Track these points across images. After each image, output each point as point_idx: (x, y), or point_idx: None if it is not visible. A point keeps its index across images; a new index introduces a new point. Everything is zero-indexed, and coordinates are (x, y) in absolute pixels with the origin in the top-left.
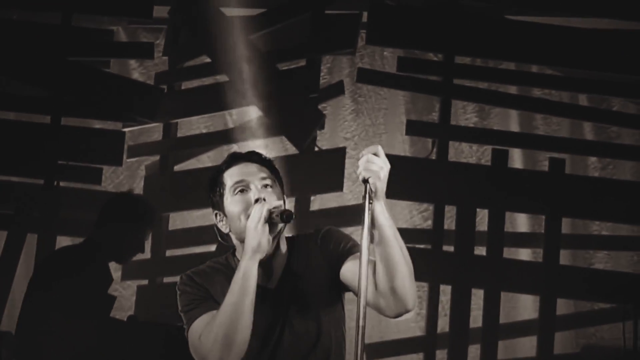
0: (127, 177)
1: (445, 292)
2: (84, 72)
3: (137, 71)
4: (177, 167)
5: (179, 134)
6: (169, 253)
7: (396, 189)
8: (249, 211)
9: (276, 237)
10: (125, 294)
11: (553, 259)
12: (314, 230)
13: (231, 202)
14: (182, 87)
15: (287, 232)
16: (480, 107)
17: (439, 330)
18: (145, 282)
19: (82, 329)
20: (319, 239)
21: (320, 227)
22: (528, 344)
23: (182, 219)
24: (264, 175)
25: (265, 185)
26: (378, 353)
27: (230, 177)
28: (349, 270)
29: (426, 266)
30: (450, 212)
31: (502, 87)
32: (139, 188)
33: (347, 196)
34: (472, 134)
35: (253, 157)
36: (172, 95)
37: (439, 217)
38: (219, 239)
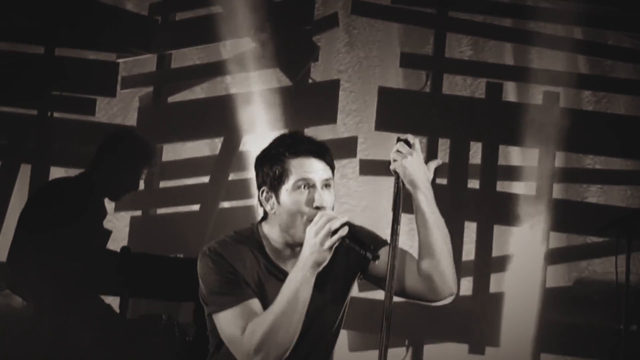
0: (121, 108)
1: None
2: (78, 3)
3: (131, 2)
4: (170, 99)
5: (173, 66)
6: (162, 184)
7: (390, 122)
8: (307, 213)
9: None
10: (118, 225)
11: (546, 192)
12: None
13: (291, 196)
14: (177, 18)
15: None
16: (474, 39)
17: None
18: (138, 213)
19: (75, 261)
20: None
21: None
22: (520, 277)
23: (175, 151)
24: (327, 175)
25: (326, 185)
26: (369, 285)
27: (296, 169)
28: (378, 267)
29: None
30: (443, 145)
31: (497, 19)
32: (132, 119)
33: (341, 128)
34: (466, 66)
35: (321, 151)
36: (166, 27)
37: (432, 150)
38: (255, 207)
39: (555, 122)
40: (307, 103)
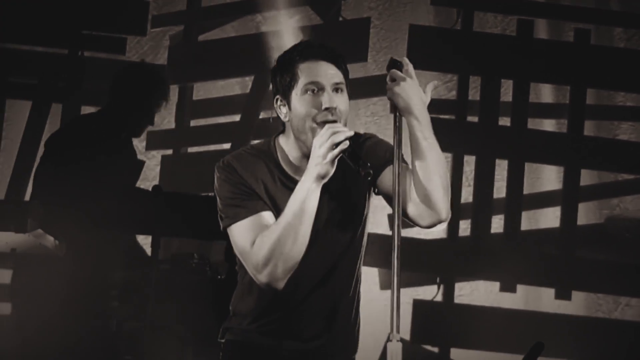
0: (151, 47)
1: (469, 163)
2: None
3: None
4: (201, 37)
5: (204, 4)
6: (193, 123)
7: (421, 60)
8: (316, 117)
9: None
10: (149, 164)
11: (577, 129)
12: (357, 133)
13: (300, 100)
14: None
15: None
16: None
17: (462, 200)
18: (169, 152)
19: (107, 199)
20: (363, 141)
21: (365, 133)
22: (552, 215)
23: (205, 89)
24: (338, 79)
25: (337, 89)
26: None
27: (305, 73)
28: (386, 178)
29: (450, 137)
30: (474, 82)
31: None
32: (163, 58)
33: (371, 66)
34: (497, 4)
35: (331, 55)
36: None
37: (463, 87)
38: (271, 120)
39: (586, 59)
40: (338, 41)
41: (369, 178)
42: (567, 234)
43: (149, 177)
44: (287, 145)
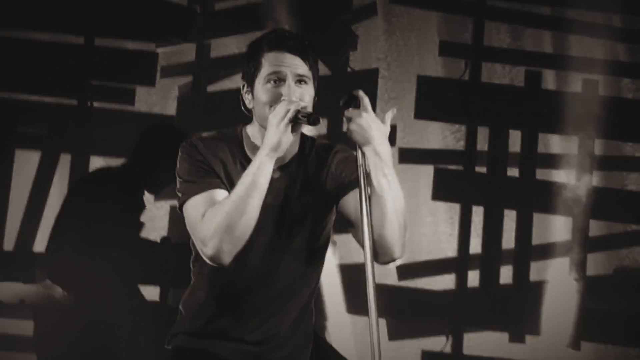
0: (160, 97)
1: (478, 213)
2: None
3: None
4: (210, 88)
5: (212, 55)
6: None
7: (429, 110)
8: (276, 105)
9: (296, 141)
10: (158, 214)
11: (586, 180)
12: (327, 142)
13: (262, 89)
14: (216, 8)
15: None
16: (513, 27)
17: (471, 251)
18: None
19: (115, 250)
20: (335, 154)
21: (338, 145)
22: (561, 266)
23: None
24: (302, 71)
25: (300, 81)
26: (410, 274)
27: (269, 62)
28: (349, 203)
29: (458, 187)
30: (483, 133)
31: (536, 7)
32: (172, 109)
33: (379, 117)
34: (505, 55)
35: (298, 47)
36: (206, 16)
37: (471, 138)
38: (242, 106)
39: (594, 109)
40: (346, 91)
41: (318, 124)
42: (576, 285)
43: (158, 228)
44: (252, 131)
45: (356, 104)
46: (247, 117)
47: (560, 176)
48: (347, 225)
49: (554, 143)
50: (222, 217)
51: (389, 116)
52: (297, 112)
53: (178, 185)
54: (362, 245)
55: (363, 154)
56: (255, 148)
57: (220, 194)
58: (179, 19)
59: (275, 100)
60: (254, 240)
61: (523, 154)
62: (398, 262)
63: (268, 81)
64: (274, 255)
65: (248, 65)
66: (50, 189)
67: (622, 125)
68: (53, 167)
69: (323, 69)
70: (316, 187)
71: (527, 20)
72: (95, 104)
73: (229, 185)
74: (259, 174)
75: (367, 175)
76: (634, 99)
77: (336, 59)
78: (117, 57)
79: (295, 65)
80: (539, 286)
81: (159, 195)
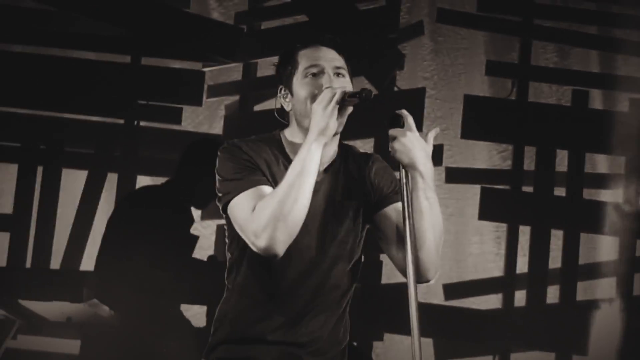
0: (207, 116)
1: (524, 233)
2: (164, 12)
3: (216, 11)
4: (256, 107)
5: (259, 74)
6: None
7: (476, 130)
8: (317, 97)
9: (341, 124)
10: (205, 233)
11: (633, 199)
12: (367, 152)
13: (301, 84)
14: (262, 27)
15: None
16: (560, 47)
17: (517, 270)
18: (224, 221)
19: (162, 269)
20: (372, 163)
21: (374, 154)
22: (607, 286)
23: None
24: (338, 63)
25: (338, 74)
26: (456, 293)
27: (305, 58)
28: (387, 216)
29: (505, 207)
30: (529, 152)
31: (583, 27)
32: (218, 128)
33: (423, 136)
34: (552, 74)
35: (331, 42)
36: (252, 35)
37: (518, 157)
38: (275, 114)
39: None
40: (393, 111)
41: (370, 98)
42: (623, 305)
43: (204, 247)
44: (291, 135)
45: (400, 123)
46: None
47: (607, 196)
48: (380, 239)
49: (601, 163)
50: (274, 206)
51: (432, 135)
52: (344, 93)
53: (219, 186)
54: (395, 263)
55: (407, 174)
56: (296, 148)
57: (268, 190)
58: (225, 39)
59: (316, 91)
60: (293, 241)
61: (570, 174)
62: (429, 282)
63: (306, 75)
64: (314, 258)
65: (284, 68)
66: (97, 207)
67: None
68: (100, 186)
69: (370, 89)
70: (356, 193)
71: (574, 40)
72: (142, 123)
73: (274, 183)
74: (308, 159)
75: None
76: None
77: (383, 79)
78: (164, 76)
79: (332, 58)
80: (585, 306)
81: (205, 214)
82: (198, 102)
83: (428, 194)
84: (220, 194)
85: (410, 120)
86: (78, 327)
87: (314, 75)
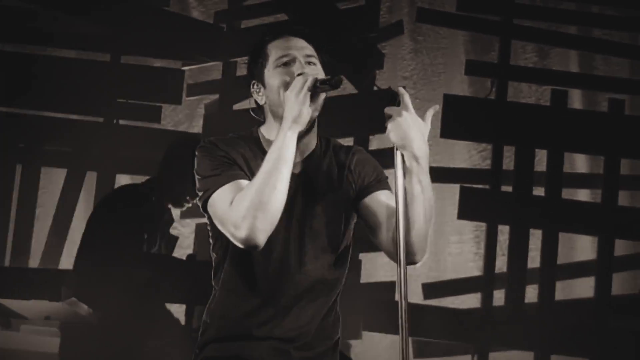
0: (186, 115)
1: (503, 232)
2: (143, 10)
3: (196, 9)
4: (236, 106)
5: (239, 73)
6: None
7: (455, 129)
8: (289, 85)
9: (316, 110)
10: (184, 232)
11: (612, 200)
12: (347, 145)
13: (273, 74)
14: (242, 26)
15: None
16: (539, 47)
17: (496, 270)
18: (204, 220)
19: (141, 268)
20: (353, 154)
21: (355, 146)
22: (586, 285)
23: None
24: (309, 52)
25: (309, 62)
26: (435, 292)
27: (275, 49)
28: (370, 205)
29: (484, 206)
30: (509, 152)
31: (562, 27)
32: (198, 126)
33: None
34: (531, 74)
35: (300, 31)
36: (232, 34)
37: (497, 157)
38: (251, 112)
39: (620, 129)
40: (372, 110)
41: (340, 85)
42: (601, 304)
43: (184, 245)
44: (267, 131)
45: (396, 101)
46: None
47: (586, 195)
48: (366, 227)
49: (580, 162)
50: (252, 195)
51: (430, 114)
52: (316, 80)
53: (198, 184)
54: (383, 248)
55: (401, 155)
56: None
57: (243, 183)
58: (205, 37)
59: (288, 80)
60: (274, 235)
61: (549, 173)
62: (416, 265)
63: (277, 65)
64: (296, 252)
65: (254, 62)
66: (76, 206)
67: None
68: (79, 185)
69: (350, 88)
70: (335, 185)
71: (553, 40)
72: (122, 122)
73: (251, 177)
74: (284, 147)
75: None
76: None
77: (362, 78)
78: (144, 74)
79: (302, 47)
80: (564, 305)
81: (184, 213)
82: (177, 101)
83: (421, 177)
84: (199, 192)
85: (406, 98)
86: (56, 326)
87: (285, 64)
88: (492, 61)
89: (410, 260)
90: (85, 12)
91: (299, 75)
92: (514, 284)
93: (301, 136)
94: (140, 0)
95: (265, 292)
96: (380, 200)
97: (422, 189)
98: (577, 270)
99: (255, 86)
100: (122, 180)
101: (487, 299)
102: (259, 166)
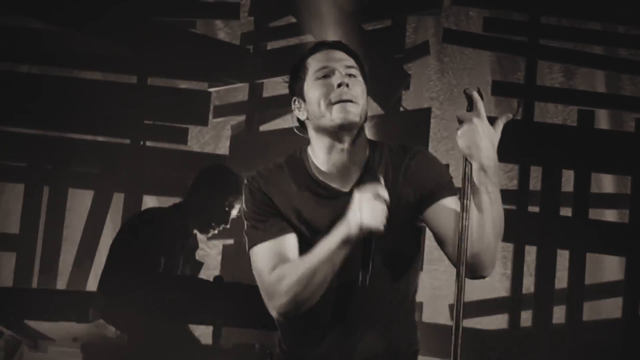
0: (213, 137)
1: (531, 253)
2: (170, 33)
3: (223, 31)
4: (262, 127)
5: (265, 95)
6: None
7: None
8: (330, 96)
9: (365, 143)
10: (211, 254)
11: (639, 220)
12: (401, 144)
13: (312, 86)
14: (268, 48)
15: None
16: (566, 67)
17: (524, 290)
18: (231, 241)
19: (168, 291)
20: (411, 158)
21: (412, 146)
22: (613, 305)
23: None
24: (349, 63)
25: (350, 74)
26: (462, 313)
27: (315, 61)
28: (434, 215)
29: (511, 227)
30: (535, 172)
31: (588, 47)
32: (224, 148)
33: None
34: (558, 94)
35: (340, 44)
36: (258, 56)
37: (524, 177)
38: (295, 130)
39: None
40: (399, 131)
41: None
42: (629, 325)
43: (210, 267)
44: (312, 150)
45: (469, 105)
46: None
47: (613, 216)
48: (434, 236)
49: (607, 183)
50: (293, 285)
51: (502, 121)
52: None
53: (246, 228)
54: (451, 261)
55: (469, 163)
56: (319, 169)
57: (287, 241)
58: (231, 59)
59: (328, 91)
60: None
61: (576, 194)
62: (495, 275)
63: (317, 78)
64: (357, 273)
65: (295, 79)
66: (103, 227)
67: None
68: (106, 206)
69: (376, 109)
70: (393, 196)
71: (580, 60)
72: (148, 143)
73: (297, 217)
74: (336, 253)
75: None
76: None
77: (389, 99)
78: (170, 96)
79: (341, 58)
80: (592, 326)
81: (212, 235)
82: (204, 122)
83: (489, 189)
84: (245, 236)
85: (479, 104)
86: (84, 348)
87: (324, 76)
88: (519, 81)
89: (480, 274)
90: (112, 34)
91: (338, 86)
92: (542, 305)
93: (350, 153)
94: (166, 21)
95: (329, 318)
96: (444, 210)
97: (491, 200)
98: (605, 290)
99: (296, 102)
100: (149, 201)
101: (515, 319)
102: (304, 199)
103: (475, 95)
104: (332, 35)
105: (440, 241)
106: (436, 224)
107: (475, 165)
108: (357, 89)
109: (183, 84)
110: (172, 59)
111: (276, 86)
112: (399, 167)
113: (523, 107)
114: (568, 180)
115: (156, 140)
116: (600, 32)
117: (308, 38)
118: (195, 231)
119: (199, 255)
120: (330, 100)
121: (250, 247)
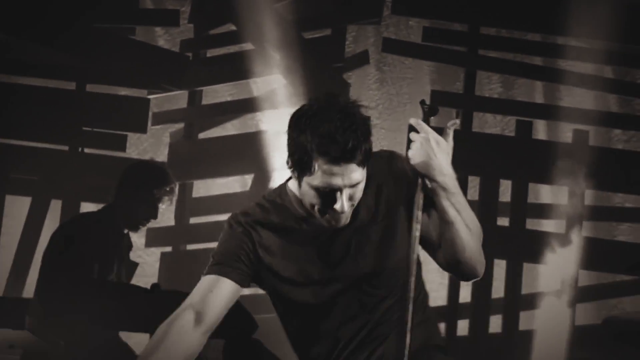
0: (152, 144)
1: None
2: (109, 39)
3: (162, 38)
4: (201, 135)
5: (204, 102)
6: (192, 221)
7: None
8: (327, 213)
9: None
10: (149, 261)
11: (576, 230)
12: (382, 152)
13: (311, 191)
14: (208, 55)
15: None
16: (504, 77)
17: (460, 300)
18: (169, 249)
19: (103, 296)
20: (389, 160)
21: (382, 150)
22: (549, 315)
23: (205, 187)
24: (355, 179)
25: (352, 185)
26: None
27: (322, 172)
28: (425, 220)
29: None
30: (473, 182)
31: (527, 58)
32: (163, 155)
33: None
34: (496, 104)
35: (352, 155)
36: (198, 63)
37: (462, 187)
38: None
39: (584, 160)
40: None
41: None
42: (565, 335)
43: (148, 274)
44: (294, 186)
45: (425, 115)
46: (239, 167)
47: (550, 226)
48: (422, 245)
49: (545, 193)
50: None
51: (451, 129)
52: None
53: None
54: (438, 263)
55: (423, 181)
56: (301, 204)
57: (222, 285)
58: (171, 66)
59: (324, 207)
60: (327, 277)
61: (513, 204)
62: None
63: (319, 190)
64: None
65: (298, 161)
66: (40, 234)
67: (612, 175)
68: (44, 213)
69: None
70: (374, 217)
71: (518, 71)
72: (87, 150)
73: (272, 259)
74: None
75: (431, 202)
76: (624, 150)
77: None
78: (109, 103)
79: (350, 174)
80: (528, 335)
81: (149, 241)
82: (143, 130)
83: (452, 200)
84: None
85: (423, 125)
86: (20, 355)
87: (327, 191)
88: (458, 91)
89: (473, 276)
90: (51, 40)
91: (332, 213)
92: (478, 314)
93: None
94: (106, 28)
95: (334, 330)
96: (425, 218)
97: (458, 211)
98: (541, 300)
99: (292, 172)
100: (87, 208)
101: (451, 328)
102: (294, 236)
103: (433, 106)
104: (271, 44)
105: (428, 251)
106: (425, 229)
107: (432, 184)
108: (357, 195)
109: (122, 91)
110: (111, 66)
111: (215, 94)
112: (383, 171)
113: (462, 117)
114: (505, 190)
115: (95, 147)
116: (539, 43)
117: (248, 46)
118: (126, 230)
119: (135, 260)
120: (324, 213)
121: (204, 272)
